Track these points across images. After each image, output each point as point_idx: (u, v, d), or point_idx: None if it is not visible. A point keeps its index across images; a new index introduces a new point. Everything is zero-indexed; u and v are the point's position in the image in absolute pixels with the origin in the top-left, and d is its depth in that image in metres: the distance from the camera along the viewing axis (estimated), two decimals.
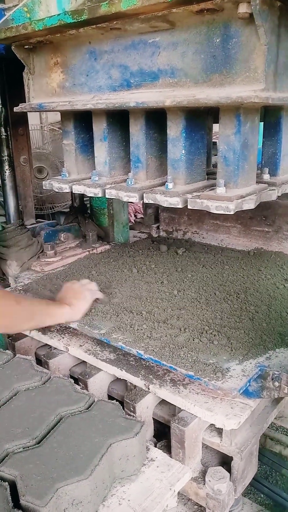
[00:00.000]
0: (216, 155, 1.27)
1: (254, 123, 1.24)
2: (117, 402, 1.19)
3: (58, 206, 4.85)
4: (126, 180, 1.44)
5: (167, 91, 1.24)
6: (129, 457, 1.05)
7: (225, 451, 1.24)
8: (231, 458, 1.23)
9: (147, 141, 1.40)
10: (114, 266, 2.07)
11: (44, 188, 1.64)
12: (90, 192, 1.49)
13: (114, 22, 1.23)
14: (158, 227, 2.63)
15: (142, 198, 1.36)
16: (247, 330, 1.43)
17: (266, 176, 1.42)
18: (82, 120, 1.59)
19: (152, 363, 1.37)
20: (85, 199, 2.75)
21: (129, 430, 1.07)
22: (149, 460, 1.11)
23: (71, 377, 1.55)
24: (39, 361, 1.58)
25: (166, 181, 1.32)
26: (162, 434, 1.36)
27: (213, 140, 2.00)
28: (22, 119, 2.45)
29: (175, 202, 1.27)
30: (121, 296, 1.71)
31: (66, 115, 1.60)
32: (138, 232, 2.75)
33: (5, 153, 2.26)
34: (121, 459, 1.05)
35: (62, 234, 2.33)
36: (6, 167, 2.28)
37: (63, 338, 1.59)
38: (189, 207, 1.24)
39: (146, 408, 1.32)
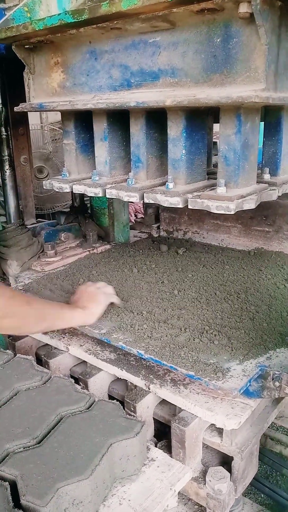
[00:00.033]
0: (217, 155, 1.27)
1: (255, 123, 1.24)
2: (118, 402, 1.19)
3: (58, 206, 4.86)
4: (126, 180, 1.44)
5: (168, 91, 1.24)
6: (129, 457, 1.05)
7: (226, 451, 1.24)
8: (231, 458, 1.23)
9: (147, 141, 1.40)
10: (114, 266, 2.07)
11: (44, 187, 1.64)
12: (91, 192, 1.49)
13: (115, 22, 1.23)
14: (158, 227, 2.63)
15: (142, 198, 1.36)
16: (248, 330, 1.43)
17: (267, 176, 1.42)
18: (83, 120, 1.59)
19: (153, 363, 1.37)
20: (85, 199, 2.75)
21: (130, 430, 1.07)
22: (149, 460, 1.11)
23: (72, 377, 1.55)
24: (39, 361, 1.58)
25: (167, 181, 1.32)
26: (163, 434, 1.36)
27: (213, 140, 1.99)
28: (23, 118, 2.45)
29: (176, 202, 1.27)
30: (122, 296, 1.71)
31: (67, 115, 1.60)
32: (139, 232, 2.75)
33: (6, 152, 2.27)
34: (122, 459, 1.05)
35: (63, 234, 2.33)
36: (7, 166, 2.29)
37: (63, 337, 1.59)
38: (189, 207, 1.24)
39: (146, 408, 1.32)
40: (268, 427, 1.61)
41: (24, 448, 1.04)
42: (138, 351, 1.34)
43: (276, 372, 1.18)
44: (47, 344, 1.65)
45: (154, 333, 1.42)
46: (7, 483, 0.94)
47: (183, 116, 1.27)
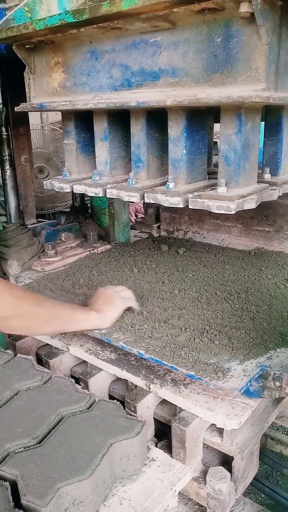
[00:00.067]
0: (217, 154, 1.26)
1: (255, 122, 1.24)
2: (118, 402, 1.19)
3: (59, 206, 4.86)
4: (127, 179, 1.44)
5: (168, 91, 1.24)
6: (130, 457, 1.05)
7: (226, 451, 1.24)
8: (232, 458, 1.23)
9: (148, 140, 1.40)
10: (115, 265, 2.07)
11: (45, 187, 1.64)
12: (91, 191, 1.49)
13: (115, 22, 1.23)
14: (159, 227, 2.63)
15: (143, 197, 1.35)
16: (248, 330, 1.43)
17: (267, 176, 1.42)
18: (83, 120, 1.59)
19: (153, 363, 1.37)
20: (86, 198, 2.75)
21: (130, 430, 1.07)
22: (150, 460, 1.11)
23: (72, 376, 1.55)
24: (40, 361, 1.58)
25: (167, 181, 1.32)
26: (163, 434, 1.36)
27: (214, 140, 1.99)
28: (23, 118, 2.45)
29: (176, 201, 1.27)
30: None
31: (67, 114, 1.60)
32: (139, 232, 2.75)
33: (6, 152, 2.26)
34: (122, 459, 1.05)
35: (63, 234, 2.33)
36: (7, 166, 2.28)
37: (64, 337, 1.59)
38: (190, 206, 1.24)
39: (147, 408, 1.32)
40: (269, 427, 1.61)
41: (24, 448, 1.04)
42: (138, 351, 1.34)
43: (277, 372, 1.18)
44: (47, 344, 1.65)
45: (155, 333, 1.42)
46: (7, 483, 0.94)
47: (184, 116, 1.27)
